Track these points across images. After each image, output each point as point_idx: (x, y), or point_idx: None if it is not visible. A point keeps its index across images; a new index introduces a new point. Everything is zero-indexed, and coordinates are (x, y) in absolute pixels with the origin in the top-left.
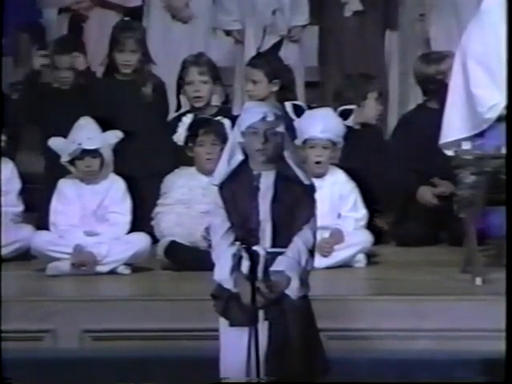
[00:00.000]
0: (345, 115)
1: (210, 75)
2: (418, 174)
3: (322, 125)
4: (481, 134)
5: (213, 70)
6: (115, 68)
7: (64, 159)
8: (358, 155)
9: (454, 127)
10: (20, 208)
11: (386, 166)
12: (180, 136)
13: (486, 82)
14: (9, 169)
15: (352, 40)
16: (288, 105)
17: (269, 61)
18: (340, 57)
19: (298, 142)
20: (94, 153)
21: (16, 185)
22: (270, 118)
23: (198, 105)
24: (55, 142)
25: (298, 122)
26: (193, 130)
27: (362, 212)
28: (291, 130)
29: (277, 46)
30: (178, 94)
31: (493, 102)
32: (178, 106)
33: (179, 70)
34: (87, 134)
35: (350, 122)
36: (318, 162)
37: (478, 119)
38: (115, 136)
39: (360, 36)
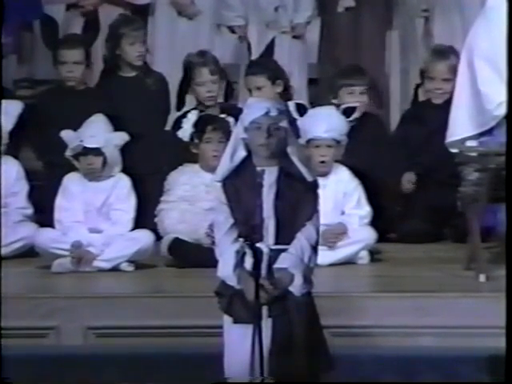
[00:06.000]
0: (348, 113)
1: (218, 73)
2: (422, 169)
3: (325, 124)
4: (487, 131)
5: (219, 67)
6: (116, 65)
7: (68, 153)
8: (358, 149)
9: (462, 125)
10: (30, 210)
11: (389, 160)
12: (185, 132)
13: (493, 79)
14: (15, 169)
15: (346, 36)
16: (291, 104)
17: (267, 65)
18: (335, 53)
19: (301, 141)
20: (96, 151)
21: (24, 186)
22: (273, 113)
23: (210, 103)
24: (66, 134)
25: (301, 122)
26: (199, 127)
27: (366, 209)
28: (295, 129)
29: (269, 50)
30: (183, 92)
31: (501, 99)
32: (182, 104)
33: (187, 70)
34: (91, 131)
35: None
36: (322, 162)
37: (486, 117)
38: (121, 138)
39: (355, 32)
